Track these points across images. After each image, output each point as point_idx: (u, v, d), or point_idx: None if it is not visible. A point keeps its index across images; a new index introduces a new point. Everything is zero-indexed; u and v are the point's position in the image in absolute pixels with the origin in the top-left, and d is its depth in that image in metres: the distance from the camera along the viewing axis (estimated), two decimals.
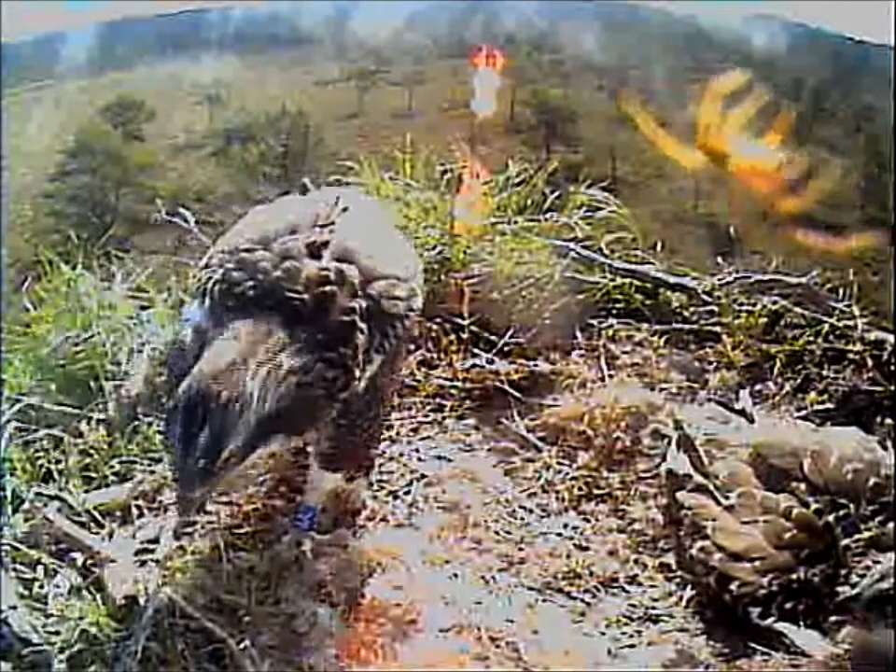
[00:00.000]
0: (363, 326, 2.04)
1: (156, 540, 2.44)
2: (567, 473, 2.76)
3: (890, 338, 3.16)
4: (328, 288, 2.02)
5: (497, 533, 2.55)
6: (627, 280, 3.49)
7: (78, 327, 3.07)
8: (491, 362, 3.10)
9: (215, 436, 1.78)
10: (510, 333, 3.20)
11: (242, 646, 2.12)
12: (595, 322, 3.35)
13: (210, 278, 2.10)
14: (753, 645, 2.14)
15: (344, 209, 2.27)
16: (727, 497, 2.35)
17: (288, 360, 1.92)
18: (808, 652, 2.07)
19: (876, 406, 2.94)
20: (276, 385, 1.88)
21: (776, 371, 3.15)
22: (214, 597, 2.25)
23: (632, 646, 2.24)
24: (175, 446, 1.80)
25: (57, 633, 2.18)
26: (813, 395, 3.03)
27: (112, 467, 2.68)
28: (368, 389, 2.10)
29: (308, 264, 2.06)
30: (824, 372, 3.13)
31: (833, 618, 2.11)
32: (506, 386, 3.04)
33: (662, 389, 3.06)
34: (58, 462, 2.66)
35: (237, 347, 1.89)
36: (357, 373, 2.03)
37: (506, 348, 3.17)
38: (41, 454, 2.70)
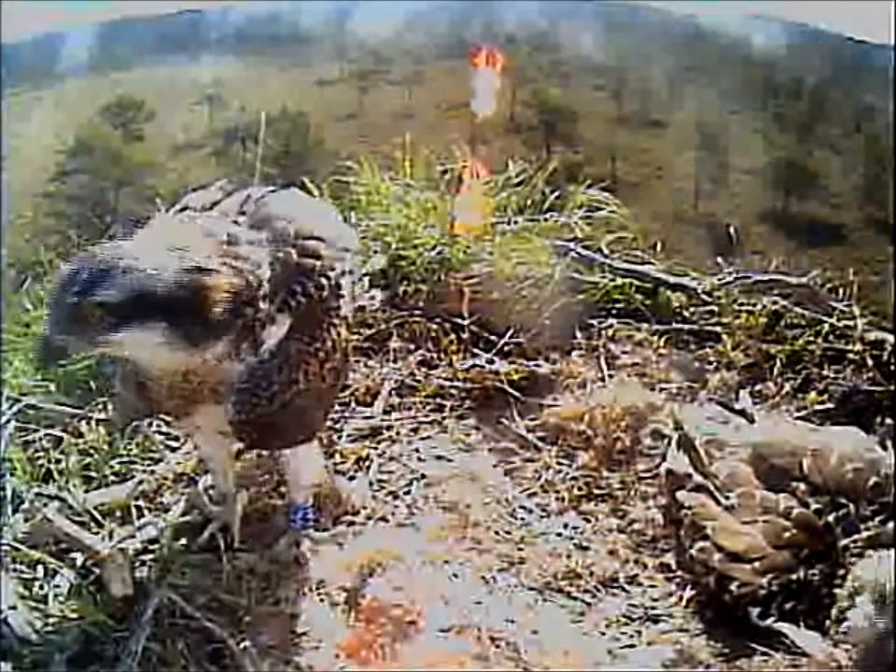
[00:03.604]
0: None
1: (156, 540, 2.44)
2: (567, 473, 2.76)
3: (890, 338, 3.16)
4: None
5: (497, 533, 2.54)
6: (627, 280, 3.49)
7: None
8: (491, 362, 3.10)
9: (93, 278, 1.85)
10: (510, 333, 3.20)
11: (242, 646, 2.12)
12: (595, 322, 3.35)
13: None
14: (753, 645, 2.13)
15: (271, 192, 2.33)
16: (727, 498, 2.35)
17: (199, 258, 1.96)
18: (808, 652, 2.07)
19: (876, 406, 2.94)
20: (178, 273, 1.90)
21: (776, 371, 3.14)
22: (214, 597, 2.25)
23: (632, 646, 2.23)
24: (57, 281, 1.89)
25: (57, 633, 2.18)
26: (813, 395, 3.03)
27: (112, 467, 2.68)
28: (275, 354, 2.08)
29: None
30: (824, 372, 3.13)
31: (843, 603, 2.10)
32: (506, 386, 3.03)
33: (662, 389, 3.06)
34: (58, 462, 2.65)
35: (163, 238, 2.01)
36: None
37: (506, 348, 3.17)
38: (41, 454, 2.69)
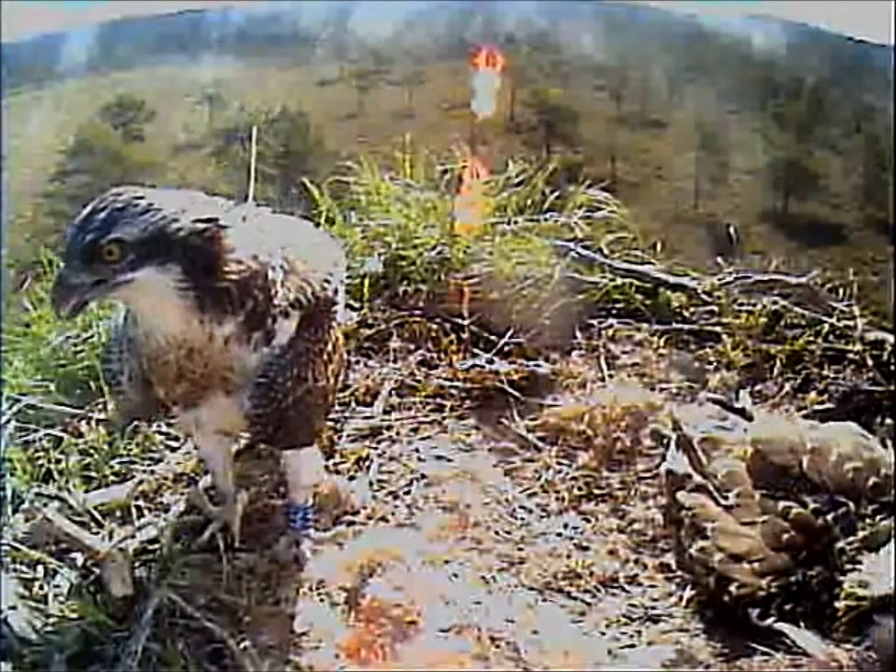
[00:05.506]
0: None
1: (156, 540, 2.44)
2: (567, 473, 2.76)
3: (890, 338, 3.16)
4: None
5: (497, 533, 2.54)
6: (627, 280, 3.49)
7: (78, 327, 3.07)
8: (491, 362, 3.10)
9: (112, 216, 1.85)
10: (510, 333, 3.20)
11: (242, 646, 2.12)
12: (595, 322, 3.36)
13: None
14: (753, 645, 2.13)
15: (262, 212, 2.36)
16: (725, 497, 2.35)
17: (214, 210, 1.98)
18: (809, 652, 2.07)
19: (876, 406, 2.94)
20: (197, 219, 1.91)
21: (776, 370, 3.14)
22: (214, 597, 2.25)
23: (632, 646, 2.23)
24: (72, 224, 1.88)
25: (57, 633, 2.18)
26: (813, 395, 3.03)
27: (112, 467, 2.68)
28: (287, 350, 2.11)
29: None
30: (824, 372, 3.13)
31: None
32: (506, 386, 3.03)
33: (662, 389, 3.06)
34: (58, 462, 2.66)
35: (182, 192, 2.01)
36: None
37: (506, 348, 3.17)
38: (41, 454, 2.70)
